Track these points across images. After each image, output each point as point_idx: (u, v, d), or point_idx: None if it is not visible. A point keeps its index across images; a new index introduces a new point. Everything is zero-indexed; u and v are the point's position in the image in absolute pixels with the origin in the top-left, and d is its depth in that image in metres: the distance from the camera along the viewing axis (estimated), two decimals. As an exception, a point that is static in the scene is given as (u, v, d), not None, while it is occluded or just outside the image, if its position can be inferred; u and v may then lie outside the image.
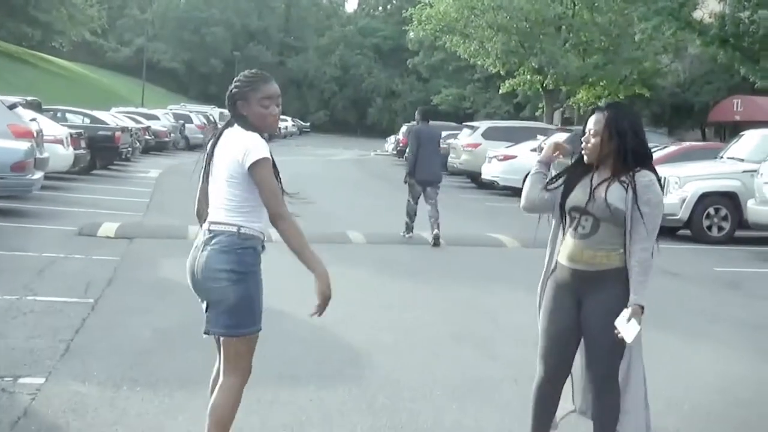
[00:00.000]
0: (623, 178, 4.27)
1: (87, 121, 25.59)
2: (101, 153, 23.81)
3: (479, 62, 44.03)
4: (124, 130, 25.54)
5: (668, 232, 15.45)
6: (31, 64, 68.62)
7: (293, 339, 7.25)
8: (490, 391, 6.16)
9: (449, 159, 27.76)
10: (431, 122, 15.03)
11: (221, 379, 4.18)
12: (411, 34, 49.70)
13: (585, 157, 4.39)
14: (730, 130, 35.09)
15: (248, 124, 4.10)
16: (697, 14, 27.38)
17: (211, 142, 4.21)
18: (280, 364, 6.46)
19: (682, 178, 15.39)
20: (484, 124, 29.06)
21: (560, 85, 41.07)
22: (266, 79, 4.21)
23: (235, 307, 4.06)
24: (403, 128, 44.02)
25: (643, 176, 4.27)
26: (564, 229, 4.49)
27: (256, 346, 4.23)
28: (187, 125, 43.22)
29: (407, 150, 13.95)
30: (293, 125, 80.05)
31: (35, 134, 16.24)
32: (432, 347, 7.37)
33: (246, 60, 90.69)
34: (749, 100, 35.51)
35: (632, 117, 4.41)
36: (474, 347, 7.45)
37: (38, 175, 14.36)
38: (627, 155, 4.28)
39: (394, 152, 43.84)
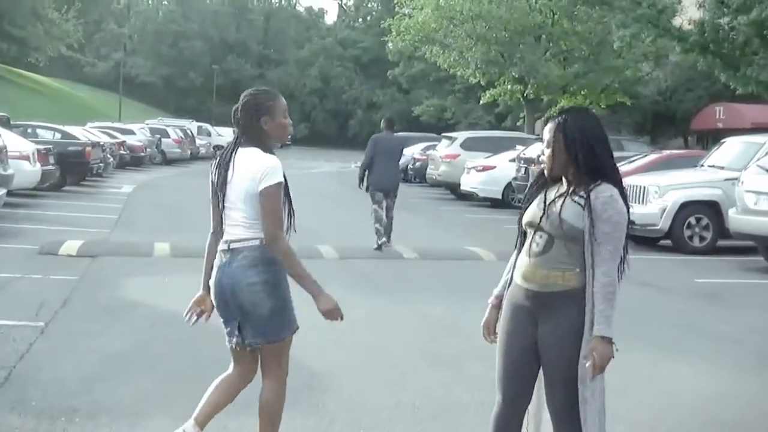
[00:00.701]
0: (582, 193, 3.97)
1: (58, 136, 25.21)
2: (71, 169, 23.38)
3: (459, 72, 43.77)
4: (95, 145, 25.13)
5: (648, 242, 15.24)
6: (6, 80, 68.11)
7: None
8: (455, 415, 5.88)
9: (428, 170, 27.51)
10: (396, 133, 15.14)
11: (265, 382, 4.49)
12: (390, 45, 49.26)
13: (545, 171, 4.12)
14: (712, 138, 34.96)
15: (264, 141, 4.36)
16: (677, 21, 27.24)
17: (220, 161, 4.42)
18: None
19: (662, 187, 15.17)
20: (462, 135, 28.83)
21: (541, 95, 40.83)
22: (279, 94, 4.51)
23: (273, 316, 4.32)
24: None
25: (602, 191, 3.93)
26: (520, 245, 4.22)
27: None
28: (163, 140, 42.88)
29: (365, 156, 14.30)
30: (273, 138, 79.57)
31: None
32: (399, 368, 7.08)
33: (225, 73, 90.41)
34: (731, 107, 35.44)
35: (588, 123, 4.05)
36: (442, 367, 7.15)
37: (1, 192, 14.01)
38: (580, 167, 3.99)
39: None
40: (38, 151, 19.60)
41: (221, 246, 4.38)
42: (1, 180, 15.31)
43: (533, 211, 4.09)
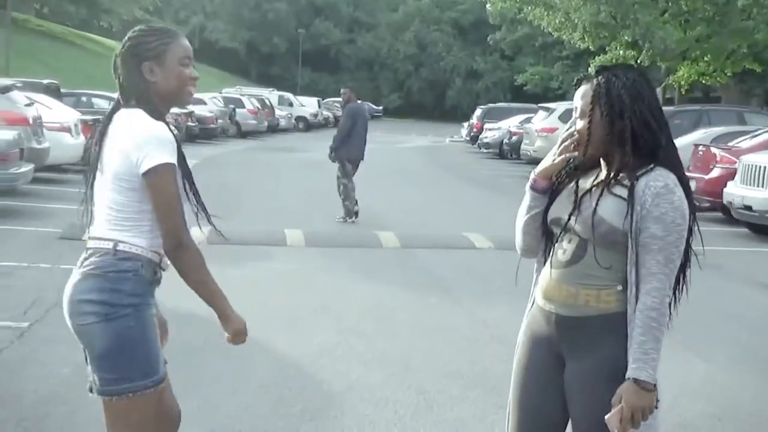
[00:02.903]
0: (626, 182, 3.13)
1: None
2: (124, 142, 23.09)
3: (565, 37, 42.57)
4: (151, 116, 24.77)
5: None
6: (75, 45, 69.01)
7: (246, 382, 6.26)
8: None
9: (522, 146, 26.58)
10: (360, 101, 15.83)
11: None
12: (489, 6, 48.28)
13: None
14: None
15: (149, 98, 3.33)
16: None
17: (99, 131, 3.41)
18: (221, 417, 5.48)
19: (786, 169, 14.03)
20: (561, 106, 27.74)
21: (658, 62, 39.41)
22: (179, 33, 3.47)
23: (108, 354, 3.26)
24: (478, 111, 42.96)
25: (655, 179, 3.08)
26: (546, 252, 3.40)
27: (158, 410, 3.46)
28: (238, 110, 42.62)
29: (338, 129, 14.89)
30: (364, 109, 79.20)
31: (31, 121, 15.61)
32: (433, 392, 6.29)
33: (312, 38, 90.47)
34: None
35: (638, 86, 3.18)
36: (476, 389, 6.33)
37: (25, 168, 13.64)
38: (627, 146, 3.14)
39: (467, 138, 42.72)
40: (83, 122, 19.30)
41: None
42: (34, 154, 14.97)
43: (561, 205, 3.27)
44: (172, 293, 8.74)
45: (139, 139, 3.21)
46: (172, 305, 8.28)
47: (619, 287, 3.13)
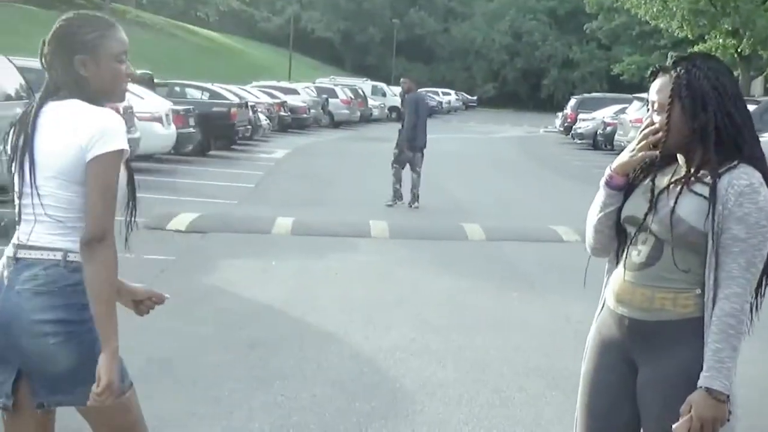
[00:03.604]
0: (707, 179, 2.91)
1: (206, 96, 25.22)
2: (215, 132, 23.31)
3: (663, 25, 41.75)
4: (242, 106, 24.93)
5: None
6: (172, 35, 70.02)
7: (318, 377, 6.15)
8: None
9: (616, 136, 26.10)
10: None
11: None
12: (586, -6, 47.77)
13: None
14: None
15: (85, 93, 2.99)
16: None
17: (21, 119, 3.07)
18: (292, 413, 5.38)
19: None
20: (657, 96, 27.13)
21: (759, 50, 38.39)
22: (117, 25, 3.10)
23: (80, 369, 2.95)
24: (572, 101, 42.38)
25: (738, 177, 2.86)
26: (618, 252, 3.19)
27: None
28: (331, 100, 42.65)
29: (405, 118, 15.17)
30: (458, 99, 78.96)
31: (121, 111, 15.74)
32: (502, 387, 6.11)
33: (406, 27, 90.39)
34: None
35: (721, 77, 2.97)
36: (556, 389, 6.11)
37: (114, 157, 13.73)
38: (709, 142, 2.91)
39: (561, 129, 42.17)
40: (175, 112, 19.47)
41: (7, 250, 3.04)
42: (123, 144, 15.10)
43: (636, 203, 3.06)
44: (247, 287, 8.74)
45: (88, 128, 2.91)
46: (248, 297, 8.33)
47: (698, 290, 2.93)
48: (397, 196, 15.07)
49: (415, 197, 14.94)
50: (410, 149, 14.93)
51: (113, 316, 2.91)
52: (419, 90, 16.02)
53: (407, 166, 15.03)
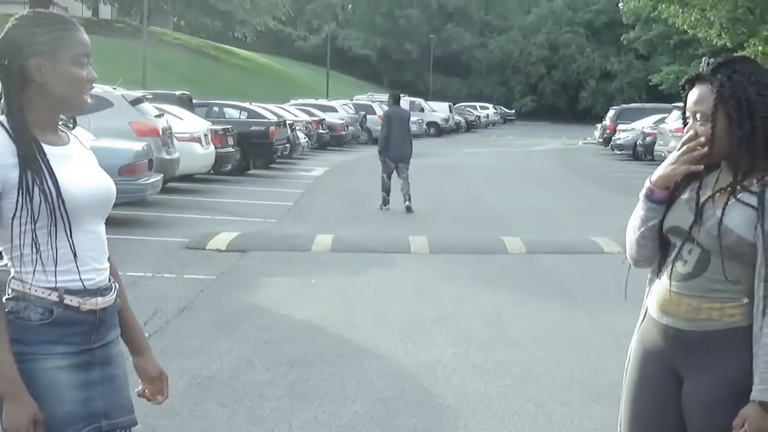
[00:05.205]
0: (754, 188, 2.85)
1: (244, 115, 25.34)
2: (254, 150, 23.38)
3: (701, 34, 41.44)
4: (280, 124, 25.01)
5: None
6: (210, 56, 70.50)
7: (359, 393, 6.11)
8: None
9: (656, 146, 25.93)
10: (401, 105, 18.45)
11: None
12: (622, 5, 47.43)
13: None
14: None
15: (39, 102, 2.69)
16: None
17: None
18: (332, 430, 5.35)
19: None
20: (696, 105, 26.93)
21: (799, 57, 38.00)
22: (77, 25, 2.76)
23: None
24: (611, 113, 42.14)
25: None
26: (661, 262, 3.12)
27: None
28: (369, 116, 42.67)
29: (381, 130, 17.61)
30: (495, 113, 78.87)
31: (161, 132, 15.86)
32: (544, 401, 6.04)
33: (443, 43, 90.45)
34: None
35: (761, 78, 2.89)
36: (599, 402, 6.02)
37: (154, 178, 13.81)
38: (757, 149, 2.84)
39: (600, 140, 41.92)
40: (214, 132, 19.58)
41: None
42: (163, 165, 15.19)
43: (680, 213, 2.99)
44: (287, 304, 8.74)
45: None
46: (288, 314, 8.31)
47: (745, 300, 2.86)
48: (384, 202, 16.68)
49: (405, 197, 16.41)
50: (386, 159, 16.77)
51: (3, 340, 2.56)
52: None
53: (394, 174, 16.69)
